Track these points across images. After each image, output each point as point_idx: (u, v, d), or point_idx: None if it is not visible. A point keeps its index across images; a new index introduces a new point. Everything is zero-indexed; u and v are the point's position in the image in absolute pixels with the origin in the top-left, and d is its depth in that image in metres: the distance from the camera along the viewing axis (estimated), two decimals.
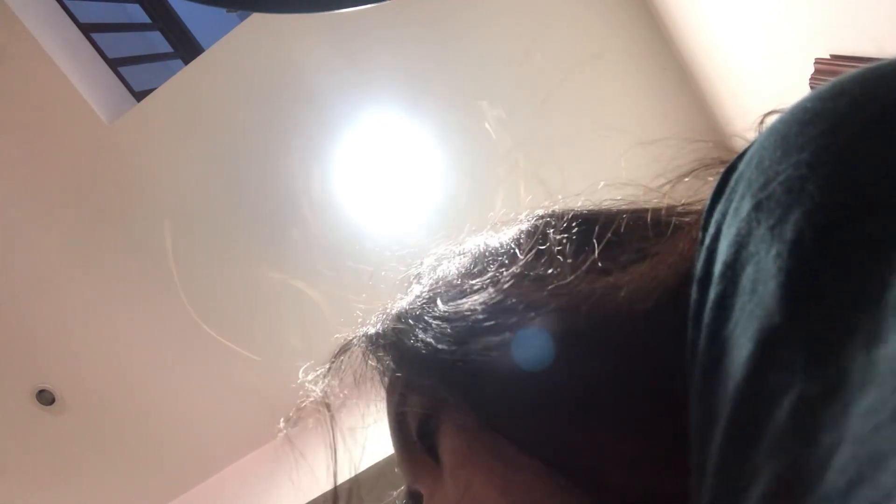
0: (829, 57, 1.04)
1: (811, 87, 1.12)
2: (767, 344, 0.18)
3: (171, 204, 2.09)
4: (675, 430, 0.23)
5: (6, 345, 2.21)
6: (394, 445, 0.36)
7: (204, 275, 2.15)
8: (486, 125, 1.98)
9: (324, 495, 1.61)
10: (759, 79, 1.45)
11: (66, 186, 2.05)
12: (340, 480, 0.40)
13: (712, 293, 0.21)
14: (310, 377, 0.42)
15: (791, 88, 1.24)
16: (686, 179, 0.34)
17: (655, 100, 1.97)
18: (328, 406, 0.41)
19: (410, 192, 2.07)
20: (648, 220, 0.32)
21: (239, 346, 2.22)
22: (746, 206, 0.20)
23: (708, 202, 0.23)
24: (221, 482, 2.34)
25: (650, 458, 0.25)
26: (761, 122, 0.30)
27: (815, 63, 1.08)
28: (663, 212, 0.32)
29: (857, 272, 0.16)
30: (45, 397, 2.26)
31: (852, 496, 0.13)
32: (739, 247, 0.20)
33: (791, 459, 0.15)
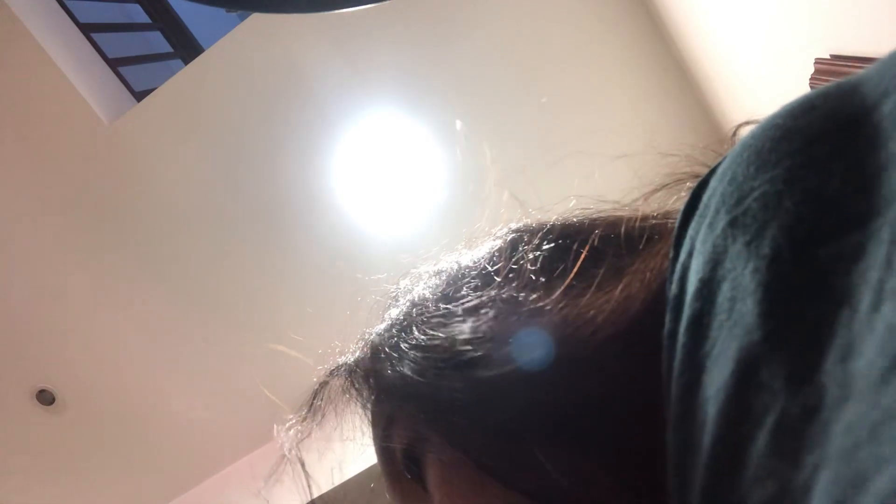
0: (829, 57, 1.04)
1: (811, 87, 1.12)
2: (747, 363, 0.17)
3: (170, 204, 2.09)
4: (653, 455, 0.22)
5: (6, 345, 2.21)
6: (382, 474, 0.36)
7: (204, 274, 2.15)
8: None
9: (325, 496, 1.60)
10: (759, 79, 1.45)
11: (66, 186, 2.05)
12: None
13: (688, 311, 0.20)
14: (286, 426, 0.41)
15: (791, 88, 1.24)
16: (658, 194, 0.34)
17: (655, 100, 1.97)
18: (302, 463, 0.41)
19: (410, 191, 2.07)
20: (622, 233, 0.31)
21: (242, 343, 2.22)
22: (721, 222, 0.20)
23: (680, 217, 0.23)
24: (221, 482, 2.34)
25: (629, 485, 0.25)
26: (734, 134, 0.30)
27: (815, 63, 1.08)
28: (636, 224, 0.32)
29: (834, 287, 0.16)
30: (45, 397, 2.26)
31: None
32: (715, 263, 0.20)
33: (776, 486, 0.15)
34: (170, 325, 2.21)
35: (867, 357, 0.14)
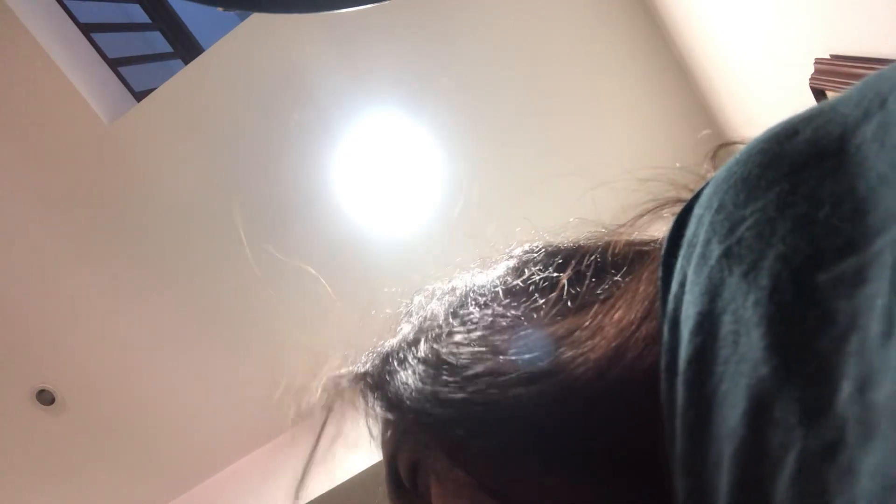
0: (829, 57, 1.04)
1: (811, 88, 1.12)
2: (760, 399, 0.17)
3: (171, 204, 2.09)
4: (645, 482, 0.22)
5: (6, 345, 2.21)
6: (387, 487, 0.36)
7: (203, 274, 2.15)
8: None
9: (324, 495, 1.61)
10: (759, 79, 1.45)
11: (66, 186, 2.05)
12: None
13: (689, 346, 0.20)
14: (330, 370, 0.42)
15: (791, 88, 1.24)
16: (643, 219, 0.35)
17: (655, 100, 1.97)
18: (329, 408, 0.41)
19: (410, 192, 2.07)
20: (609, 257, 0.32)
21: (243, 343, 2.22)
22: (715, 252, 0.20)
23: (666, 244, 0.23)
24: (221, 482, 2.34)
25: None
26: (713, 156, 0.31)
27: (815, 63, 1.08)
28: (620, 248, 0.33)
29: (838, 313, 0.16)
30: (45, 397, 2.26)
31: None
32: (713, 296, 0.20)
33: None
34: (170, 325, 2.21)
35: (887, 389, 0.14)
